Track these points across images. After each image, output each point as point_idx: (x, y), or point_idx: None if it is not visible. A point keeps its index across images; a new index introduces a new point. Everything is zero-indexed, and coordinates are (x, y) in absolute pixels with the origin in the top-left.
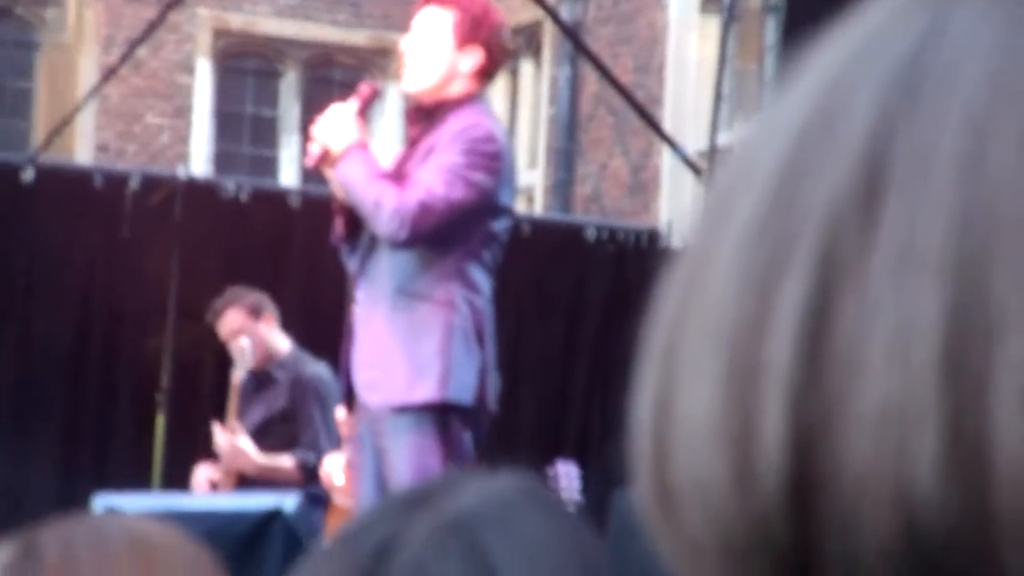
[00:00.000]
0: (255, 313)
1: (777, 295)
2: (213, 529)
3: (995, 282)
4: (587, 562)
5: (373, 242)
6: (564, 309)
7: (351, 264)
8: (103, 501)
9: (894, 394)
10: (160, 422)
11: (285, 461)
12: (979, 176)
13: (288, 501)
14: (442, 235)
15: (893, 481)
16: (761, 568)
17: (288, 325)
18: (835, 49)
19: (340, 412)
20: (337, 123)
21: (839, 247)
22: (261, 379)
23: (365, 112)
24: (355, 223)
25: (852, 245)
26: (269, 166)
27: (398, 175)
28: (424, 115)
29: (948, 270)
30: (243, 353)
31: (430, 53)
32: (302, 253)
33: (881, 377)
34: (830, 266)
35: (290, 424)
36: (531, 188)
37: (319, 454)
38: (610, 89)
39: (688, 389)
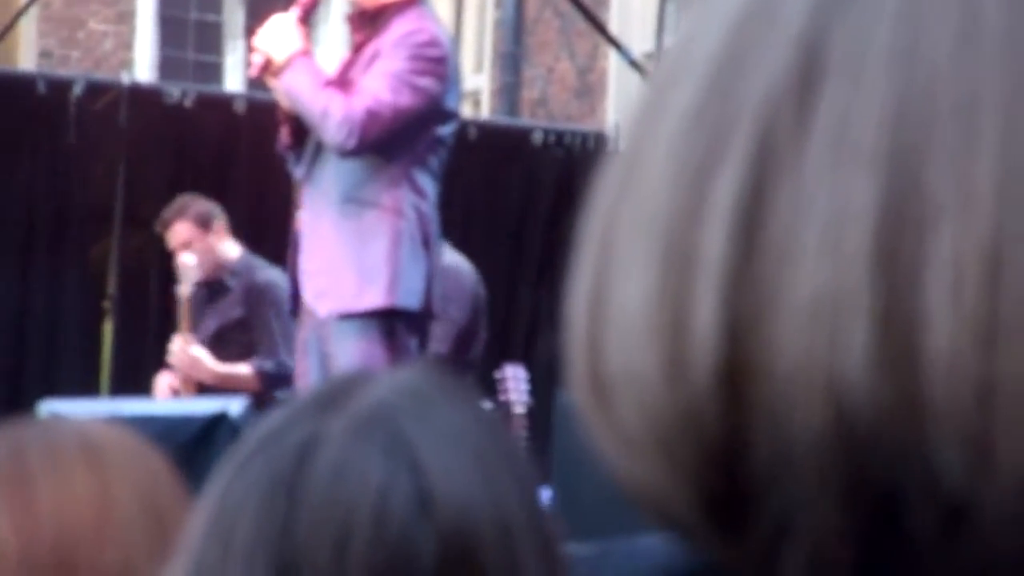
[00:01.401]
0: (204, 224)
1: (712, 184)
2: (159, 433)
3: (928, 172)
4: (505, 448)
5: (318, 149)
6: (511, 213)
7: (297, 172)
8: (49, 407)
9: (826, 284)
10: (108, 329)
11: (243, 369)
12: (914, 66)
13: (234, 405)
14: (389, 142)
15: (825, 371)
16: (691, 458)
17: (235, 231)
18: None
19: None
20: (279, 32)
21: (775, 136)
22: (214, 288)
23: (307, 20)
24: (301, 131)
25: (788, 134)
26: (214, 72)
27: (343, 82)
28: (367, 20)
29: (882, 160)
30: (187, 270)
31: None
32: (248, 158)
33: (814, 267)
34: (766, 155)
35: (246, 332)
36: (478, 92)
37: (277, 360)
38: None
39: (622, 280)
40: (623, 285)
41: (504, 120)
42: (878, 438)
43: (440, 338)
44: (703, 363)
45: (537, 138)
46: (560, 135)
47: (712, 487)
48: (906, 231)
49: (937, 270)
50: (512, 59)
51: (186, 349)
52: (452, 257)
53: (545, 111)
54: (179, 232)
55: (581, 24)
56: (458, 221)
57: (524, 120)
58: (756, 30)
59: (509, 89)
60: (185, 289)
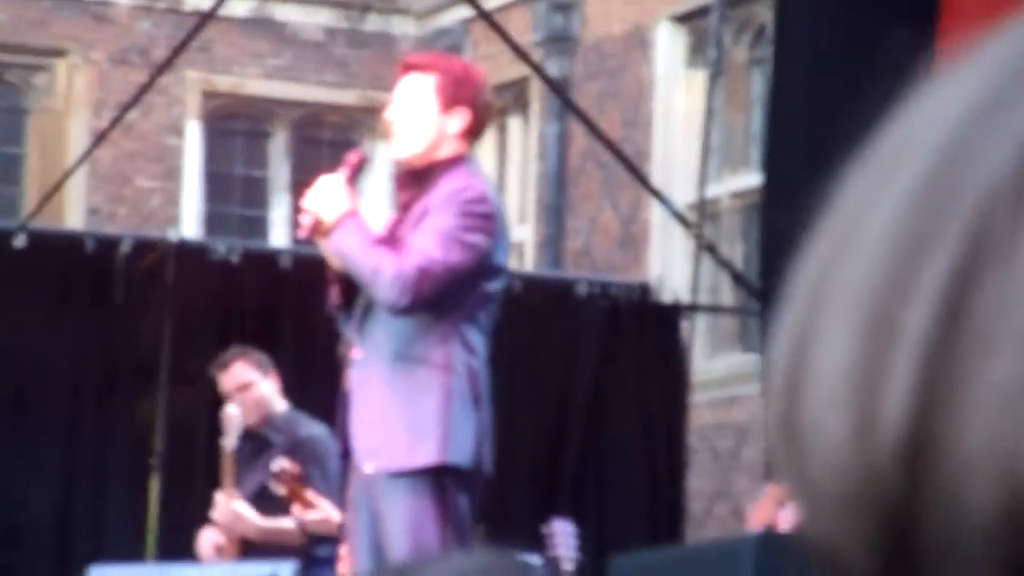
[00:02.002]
0: (262, 369)
1: (925, 263)
2: None
3: None
4: None
5: (368, 308)
6: (556, 366)
7: (347, 331)
8: (99, 572)
9: (1020, 377)
10: (154, 485)
11: (287, 524)
12: None
13: (284, 570)
14: (440, 298)
15: (1006, 460)
16: (869, 520)
17: (281, 385)
18: (1016, 37)
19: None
20: (328, 193)
21: (990, 226)
22: (258, 444)
23: (354, 180)
24: (350, 290)
25: (1003, 227)
26: (260, 226)
27: (392, 240)
28: (414, 179)
29: None
30: (231, 420)
31: (416, 120)
32: (293, 314)
33: (1011, 358)
34: (979, 243)
35: None
36: (521, 244)
37: (321, 516)
38: (598, 144)
39: (826, 339)
40: (826, 346)
41: (548, 273)
42: None
43: None
44: (891, 432)
45: (581, 290)
46: (604, 287)
47: (886, 552)
48: None
49: None
50: (555, 210)
51: (229, 505)
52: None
53: (589, 261)
54: (238, 373)
55: (624, 175)
56: (503, 375)
57: (568, 272)
58: (984, 120)
59: (553, 240)
60: (229, 442)
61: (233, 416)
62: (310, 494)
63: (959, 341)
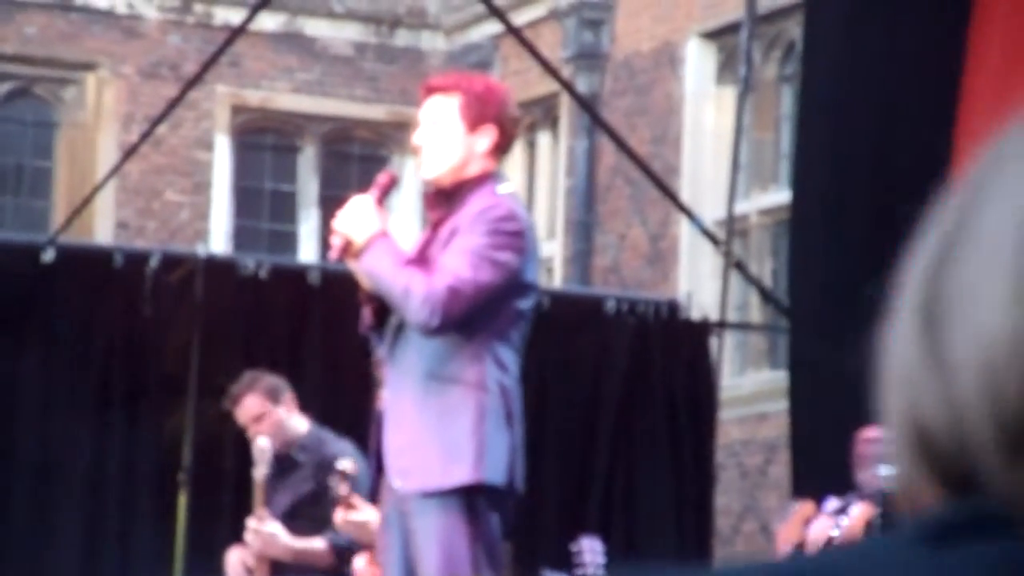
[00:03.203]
0: (274, 397)
1: None
2: None
3: None
4: None
5: (400, 328)
6: (585, 383)
7: (380, 352)
8: None
9: None
10: (182, 501)
11: (317, 544)
12: None
13: None
14: (471, 317)
15: None
16: (1012, 386)
17: (308, 401)
18: None
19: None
20: (358, 214)
21: None
22: (284, 464)
23: (384, 200)
24: (383, 311)
25: None
26: (288, 241)
27: (422, 260)
28: (443, 198)
29: None
30: (262, 453)
31: (444, 141)
32: (322, 329)
33: None
34: None
35: (318, 506)
36: (550, 259)
37: (349, 536)
38: (627, 160)
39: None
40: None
41: (577, 289)
42: None
43: None
44: None
45: (610, 307)
46: (633, 304)
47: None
48: None
49: None
50: (584, 227)
51: (261, 528)
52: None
53: (617, 278)
54: (249, 406)
55: (652, 192)
56: (532, 391)
57: (596, 289)
58: None
59: (581, 256)
60: (260, 472)
61: (265, 448)
62: (357, 498)
63: None
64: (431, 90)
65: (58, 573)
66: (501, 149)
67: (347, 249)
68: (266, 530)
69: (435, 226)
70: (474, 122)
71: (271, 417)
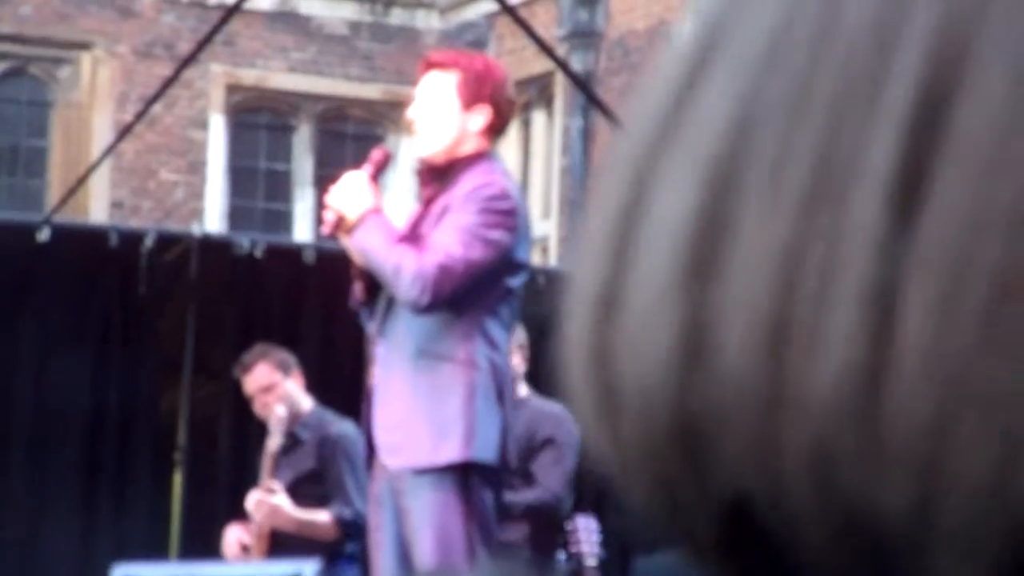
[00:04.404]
0: (284, 369)
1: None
2: None
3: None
4: None
5: (391, 305)
6: None
7: (370, 327)
8: (123, 571)
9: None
10: (177, 481)
11: (322, 516)
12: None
13: (308, 568)
14: (462, 295)
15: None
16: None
17: (304, 381)
18: None
19: None
20: (351, 190)
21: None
22: (287, 441)
23: (378, 177)
24: (374, 287)
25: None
26: (283, 220)
27: (413, 236)
28: (437, 175)
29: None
30: (279, 422)
31: (438, 117)
32: (317, 308)
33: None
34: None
35: (320, 484)
36: (545, 238)
37: (355, 510)
38: None
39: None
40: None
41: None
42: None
43: (560, 483)
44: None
45: None
46: None
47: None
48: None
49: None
50: (579, 206)
51: (267, 499)
52: (550, 405)
53: None
54: (260, 375)
55: None
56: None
57: None
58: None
59: (576, 235)
60: (274, 442)
61: (283, 418)
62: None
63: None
64: (430, 65)
65: (54, 556)
66: (495, 130)
67: (339, 225)
68: (272, 500)
69: (427, 203)
70: (470, 100)
71: (279, 389)
